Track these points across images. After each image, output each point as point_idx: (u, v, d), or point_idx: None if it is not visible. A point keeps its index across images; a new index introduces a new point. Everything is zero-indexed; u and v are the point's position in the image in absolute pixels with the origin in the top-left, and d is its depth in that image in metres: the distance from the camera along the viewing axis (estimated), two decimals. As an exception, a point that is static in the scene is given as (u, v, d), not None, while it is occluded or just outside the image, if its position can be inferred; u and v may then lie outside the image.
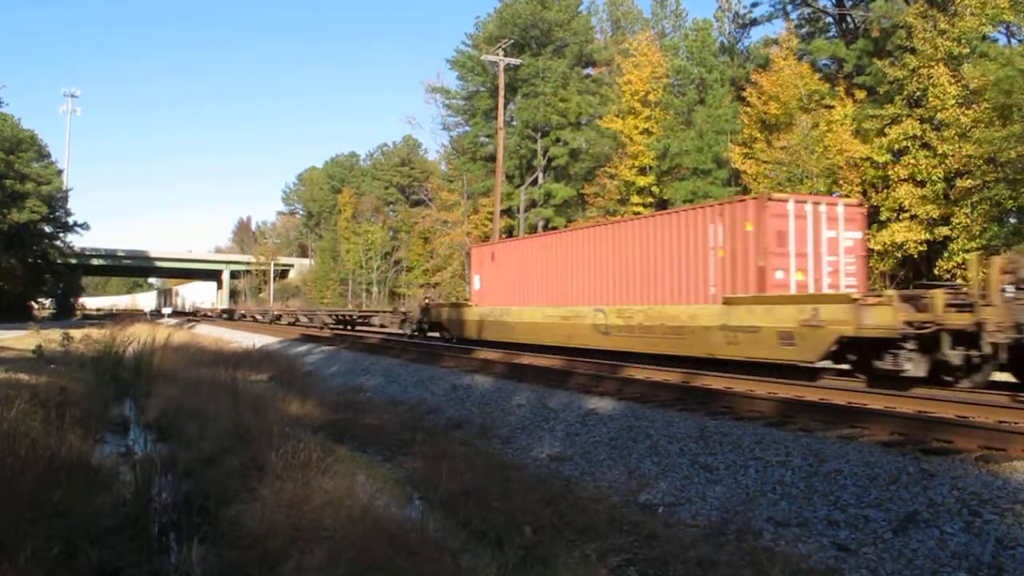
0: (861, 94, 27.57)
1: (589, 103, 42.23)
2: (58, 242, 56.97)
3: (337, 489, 5.35)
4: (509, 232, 46.35)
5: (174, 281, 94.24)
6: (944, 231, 24.07)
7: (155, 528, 5.42)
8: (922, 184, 24.68)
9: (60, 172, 58.08)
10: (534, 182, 45.51)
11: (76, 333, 20.73)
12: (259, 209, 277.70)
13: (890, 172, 25.99)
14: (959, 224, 23.54)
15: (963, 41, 23.89)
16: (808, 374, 9.85)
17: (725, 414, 7.38)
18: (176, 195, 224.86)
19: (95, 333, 23.08)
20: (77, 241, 59.75)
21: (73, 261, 62.28)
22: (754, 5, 36.28)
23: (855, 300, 9.22)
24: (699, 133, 33.16)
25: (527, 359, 13.65)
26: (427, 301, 24.03)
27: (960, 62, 23.94)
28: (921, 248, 25.49)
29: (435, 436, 8.49)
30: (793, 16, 34.66)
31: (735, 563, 4.43)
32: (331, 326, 32.75)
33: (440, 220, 52.52)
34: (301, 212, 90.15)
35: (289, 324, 38.33)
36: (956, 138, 23.27)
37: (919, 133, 24.67)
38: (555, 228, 44.37)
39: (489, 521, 5.46)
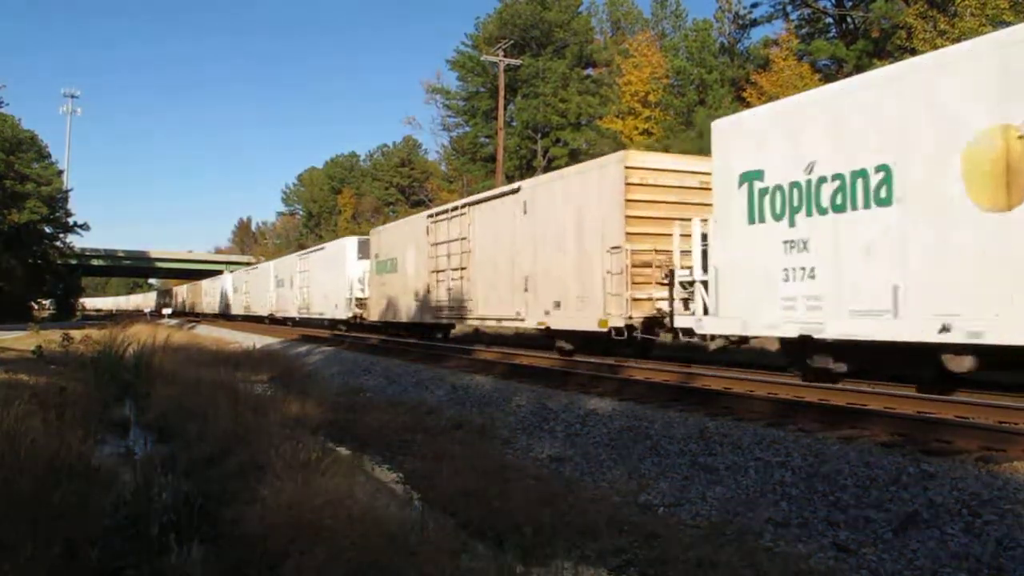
0: (861, 95, 27.59)
1: (589, 103, 42.26)
2: (58, 243, 57.03)
3: (337, 489, 5.35)
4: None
5: (174, 281, 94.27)
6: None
7: (155, 528, 5.42)
8: (922, 184, 24.64)
9: (60, 172, 58.21)
10: (534, 183, 45.45)
11: (76, 334, 20.74)
12: (259, 209, 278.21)
13: (890, 172, 25.99)
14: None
15: (963, 41, 23.90)
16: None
17: (725, 414, 7.38)
18: (176, 195, 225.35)
19: (95, 334, 23.10)
20: (77, 241, 59.82)
21: (73, 262, 62.30)
22: (754, 6, 36.35)
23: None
24: (699, 133, 33.17)
25: (527, 360, 13.65)
26: None
27: (960, 63, 23.94)
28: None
29: (435, 436, 8.49)
30: (793, 17, 34.71)
31: (735, 563, 4.44)
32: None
33: (440, 221, 52.48)
34: (301, 212, 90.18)
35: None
36: (956, 138, 23.27)
37: (919, 133, 24.65)
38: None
39: (489, 521, 5.46)
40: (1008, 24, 25.75)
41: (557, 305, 13.46)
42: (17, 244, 50.16)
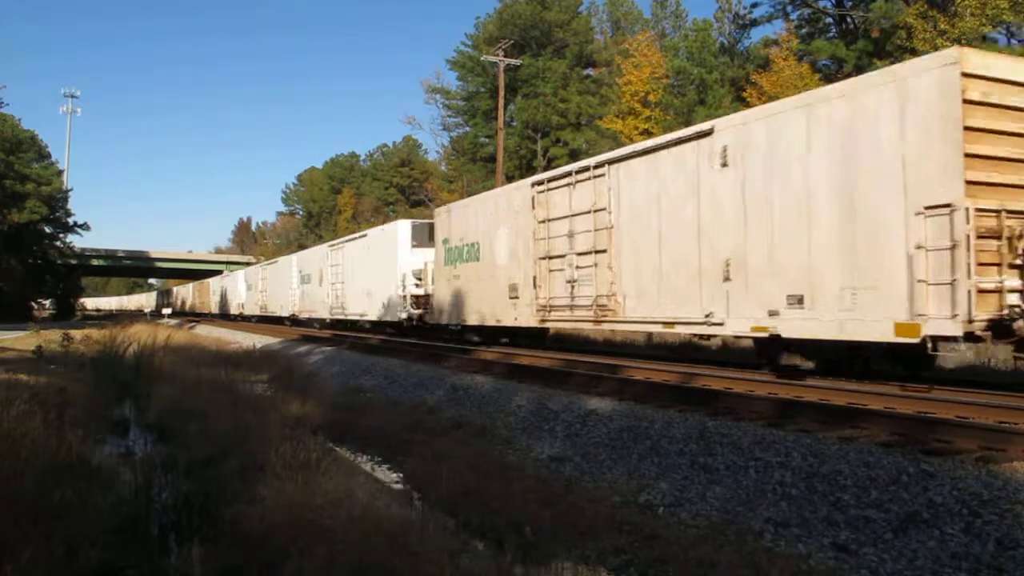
0: (861, 95, 27.59)
1: (589, 103, 42.24)
2: (58, 242, 57.03)
3: (337, 489, 5.36)
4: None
5: (174, 281, 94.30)
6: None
7: (155, 528, 5.42)
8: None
9: (60, 172, 58.15)
10: (534, 183, 45.39)
11: (76, 334, 20.72)
12: (259, 209, 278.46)
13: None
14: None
15: (963, 41, 23.91)
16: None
17: (725, 415, 7.39)
18: (176, 195, 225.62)
19: (95, 334, 23.10)
20: (77, 241, 59.82)
21: (73, 261, 62.31)
22: (754, 6, 36.31)
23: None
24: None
25: (527, 360, 13.65)
26: None
27: (960, 63, 23.95)
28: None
29: (435, 437, 8.49)
30: (793, 17, 34.68)
31: (735, 563, 4.44)
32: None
33: (440, 221, 52.35)
34: (301, 212, 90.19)
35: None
36: (956, 138, 23.29)
37: (919, 133, 24.62)
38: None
39: (489, 521, 5.46)
40: (1008, 24, 25.72)
41: (797, 301, 8.85)
42: (17, 244, 50.16)
